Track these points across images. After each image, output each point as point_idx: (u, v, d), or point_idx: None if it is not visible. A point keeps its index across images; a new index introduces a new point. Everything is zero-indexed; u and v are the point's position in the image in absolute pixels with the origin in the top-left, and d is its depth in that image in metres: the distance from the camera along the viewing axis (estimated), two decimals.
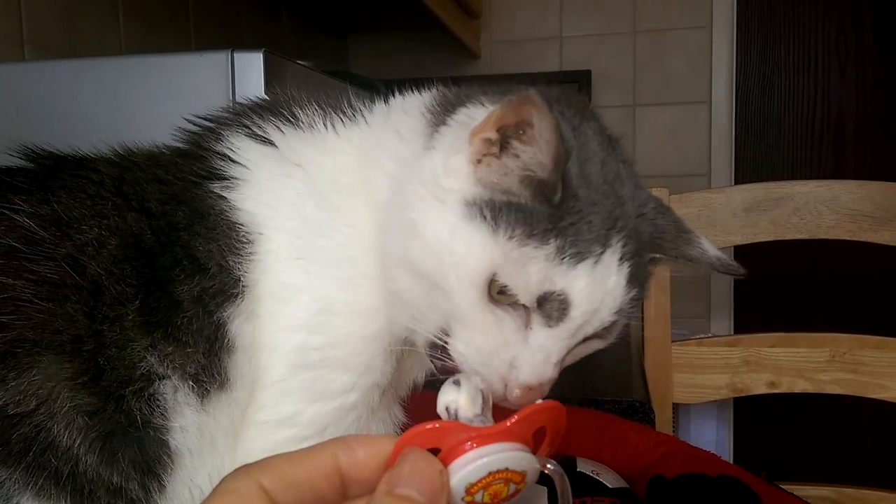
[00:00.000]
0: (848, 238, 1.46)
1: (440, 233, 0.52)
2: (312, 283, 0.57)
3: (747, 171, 2.71)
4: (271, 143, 0.60)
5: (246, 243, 0.56)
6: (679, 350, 1.45)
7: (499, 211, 0.51)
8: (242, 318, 0.55)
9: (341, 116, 0.62)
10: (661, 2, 2.68)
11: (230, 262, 0.55)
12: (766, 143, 2.73)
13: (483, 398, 0.39)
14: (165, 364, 0.53)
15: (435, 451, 0.36)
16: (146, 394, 0.52)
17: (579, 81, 2.64)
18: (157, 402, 0.53)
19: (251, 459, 0.36)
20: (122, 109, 0.96)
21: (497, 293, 0.51)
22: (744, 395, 1.45)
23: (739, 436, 2.69)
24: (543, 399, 0.44)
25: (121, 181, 0.57)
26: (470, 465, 0.35)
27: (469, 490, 0.35)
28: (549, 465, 0.38)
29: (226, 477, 0.35)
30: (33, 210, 0.53)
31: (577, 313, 0.51)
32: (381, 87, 0.75)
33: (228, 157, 0.59)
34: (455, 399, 0.39)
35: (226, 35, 1.88)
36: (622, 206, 0.54)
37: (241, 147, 0.60)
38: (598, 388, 0.89)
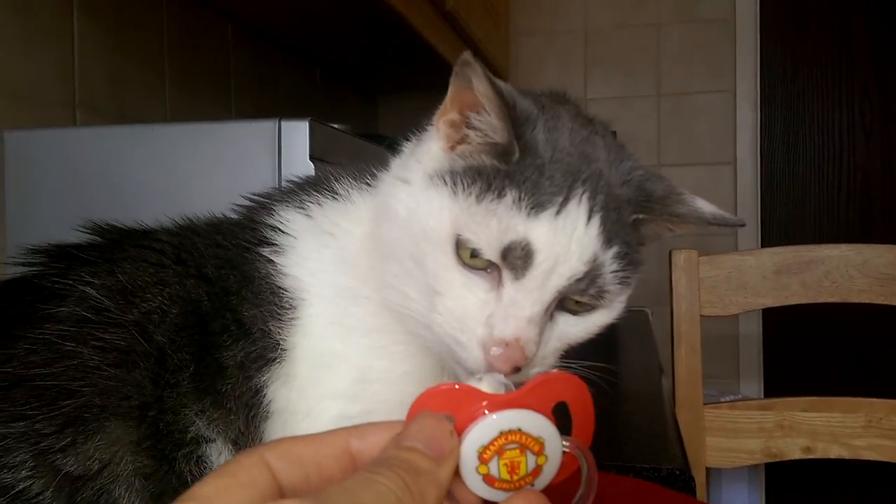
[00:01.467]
0: (881, 302, 1.45)
1: (408, 205, 0.55)
2: (349, 351, 0.58)
3: (773, 231, 2.72)
4: (311, 216, 0.63)
5: (288, 308, 0.58)
6: (711, 413, 1.44)
7: (459, 176, 0.53)
8: (280, 382, 0.57)
9: (366, 185, 0.64)
10: (684, 66, 2.73)
11: (272, 327, 0.57)
12: (791, 204, 2.74)
13: (506, 390, 0.38)
14: (212, 428, 0.55)
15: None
16: (195, 456, 0.54)
17: None
18: (205, 465, 0.54)
19: None
20: (171, 176, 0.99)
21: (469, 258, 0.52)
22: (778, 459, 1.43)
23: (771, 500, 2.63)
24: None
25: (179, 248, 0.60)
26: (479, 424, 0.34)
27: (482, 456, 0.34)
28: (564, 443, 0.36)
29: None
30: (100, 281, 0.56)
31: (540, 259, 0.50)
32: None
33: (279, 228, 0.62)
34: (476, 387, 0.38)
35: (263, 95, 1.94)
36: (590, 164, 0.54)
37: (289, 219, 0.63)
38: (636, 454, 0.88)
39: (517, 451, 0.34)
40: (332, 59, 2.26)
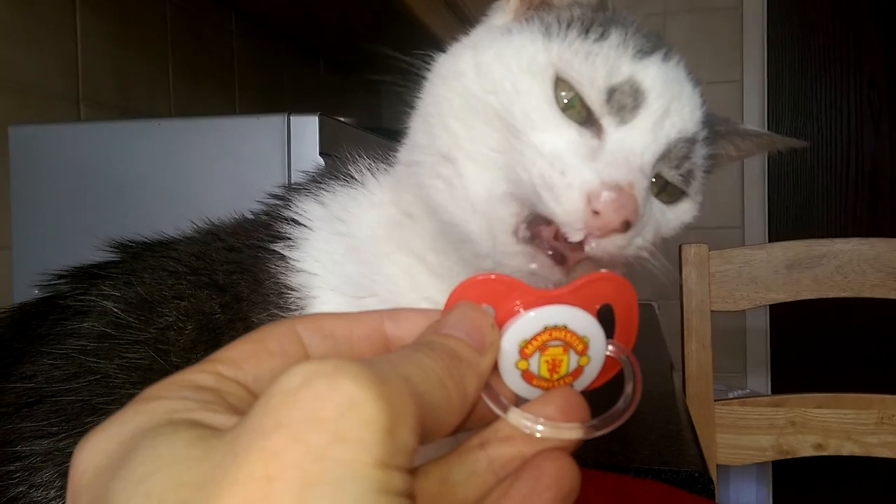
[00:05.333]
0: (893, 297, 1.44)
1: (481, 59, 0.49)
2: None
3: (781, 223, 2.70)
4: (325, 203, 0.61)
5: (295, 310, 0.55)
6: (722, 409, 1.43)
7: (549, 23, 0.48)
8: None
9: (384, 166, 0.60)
10: (691, 56, 2.70)
11: None
12: (799, 196, 2.72)
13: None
14: None
15: None
16: None
17: None
18: None
19: None
20: (179, 171, 0.97)
21: (562, 107, 0.46)
22: (790, 457, 1.42)
23: (780, 497, 2.63)
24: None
25: (194, 257, 0.58)
26: (524, 317, 0.32)
27: (523, 351, 0.32)
28: (610, 347, 0.33)
29: None
30: (120, 294, 0.55)
31: (653, 99, 0.45)
32: None
33: (295, 220, 0.60)
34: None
35: (267, 87, 1.92)
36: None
37: (306, 209, 0.61)
38: (653, 456, 0.87)
39: (560, 348, 0.32)
40: (335, 49, 2.24)
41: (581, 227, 0.42)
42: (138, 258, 0.59)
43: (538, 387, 0.32)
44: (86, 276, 0.59)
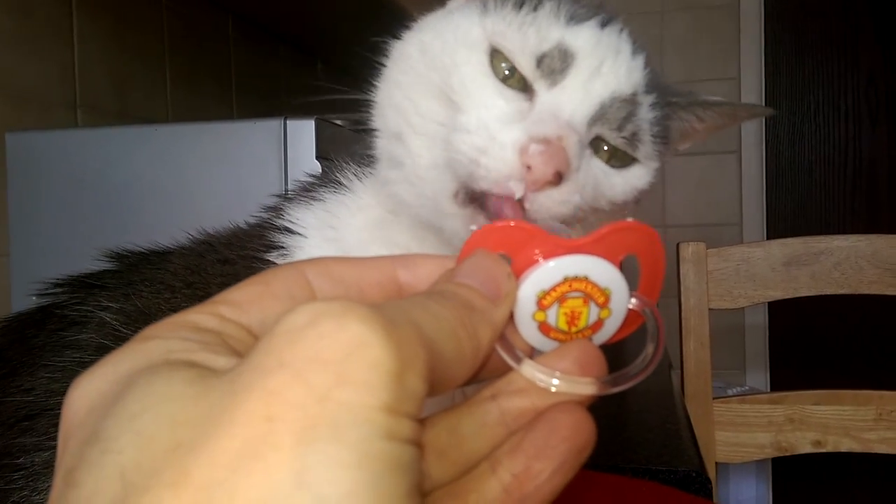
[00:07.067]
0: (891, 294, 1.44)
1: (424, 38, 0.52)
2: None
3: (779, 220, 2.70)
4: (317, 210, 0.61)
5: None
6: (721, 407, 1.43)
7: (486, 0, 0.50)
8: None
9: (368, 168, 0.61)
10: (688, 54, 2.71)
11: None
12: (797, 193, 2.73)
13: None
14: None
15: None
16: None
17: None
18: None
19: None
20: (177, 176, 0.98)
21: (502, 78, 0.48)
22: (788, 454, 1.42)
23: (779, 494, 2.63)
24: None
25: (189, 270, 0.58)
26: (542, 267, 0.30)
27: (541, 302, 0.30)
28: (633, 300, 0.32)
29: None
30: (118, 306, 0.55)
31: (581, 59, 0.47)
32: None
33: (288, 229, 0.60)
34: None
35: (264, 88, 1.92)
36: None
37: (299, 217, 0.61)
38: (651, 455, 0.87)
39: (580, 300, 0.30)
40: (332, 52, 2.24)
41: (520, 181, 0.43)
42: (135, 269, 0.59)
43: (555, 339, 0.31)
44: (83, 285, 0.59)
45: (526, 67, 0.47)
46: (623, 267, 0.31)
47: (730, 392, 2.18)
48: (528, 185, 0.43)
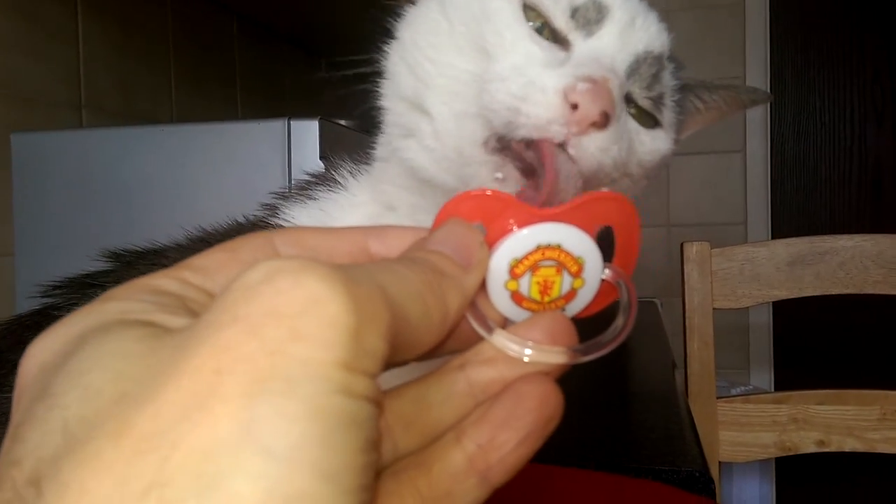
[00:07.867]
0: None
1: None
2: None
3: (784, 219, 2.70)
4: (312, 210, 0.61)
5: None
6: (725, 406, 1.43)
7: None
8: None
9: (364, 166, 0.61)
10: (694, 53, 2.70)
11: None
12: (803, 192, 2.72)
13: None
14: None
15: None
16: None
17: None
18: None
19: None
20: (180, 177, 0.98)
21: (535, 29, 0.47)
22: (792, 454, 1.42)
23: (783, 493, 2.63)
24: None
25: None
26: (515, 235, 0.30)
27: (513, 271, 0.30)
28: (607, 271, 0.31)
29: None
30: None
31: (616, 9, 0.47)
32: None
33: (283, 227, 0.61)
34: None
35: (269, 89, 1.92)
36: None
37: (294, 216, 0.61)
38: (654, 455, 0.87)
39: (553, 269, 0.30)
40: (337, 51, 2.24)
41: (563, 123, 0.41)
42: (130, 267, 0.59)
43: (528, 309, 0.31)
44: (80, 286, 0.59)
45: (560, 19, 0.47)
46: (599, 238, 0.31)
47: (734, 391, 2.18)
48: (572, 125, 0.41)
